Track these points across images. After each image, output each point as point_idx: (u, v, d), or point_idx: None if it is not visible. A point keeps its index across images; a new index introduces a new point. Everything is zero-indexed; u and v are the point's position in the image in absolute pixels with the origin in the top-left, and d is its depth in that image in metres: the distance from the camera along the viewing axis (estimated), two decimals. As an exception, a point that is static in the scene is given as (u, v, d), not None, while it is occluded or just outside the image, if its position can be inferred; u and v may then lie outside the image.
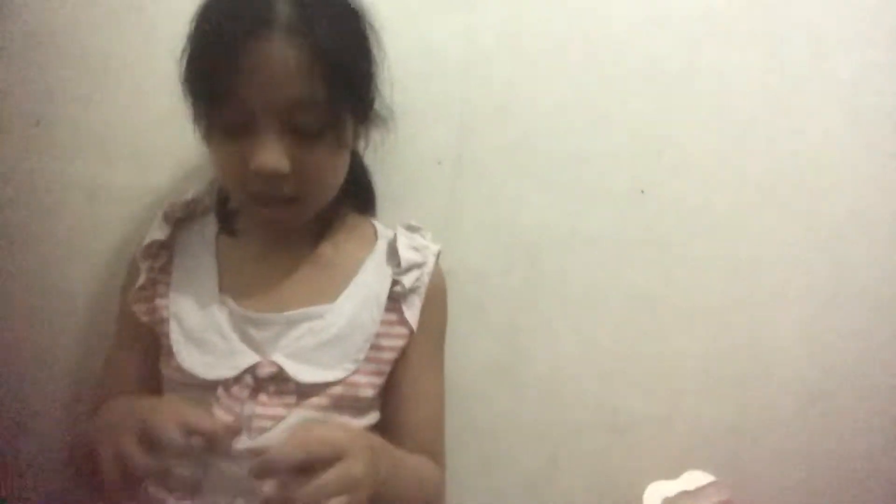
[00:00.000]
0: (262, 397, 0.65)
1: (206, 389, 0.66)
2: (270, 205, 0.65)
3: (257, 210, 0.67)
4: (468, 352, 0.84)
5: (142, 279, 0.70)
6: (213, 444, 0.57)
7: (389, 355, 0.71)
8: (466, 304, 0.83)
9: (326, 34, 0.61)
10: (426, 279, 0.73)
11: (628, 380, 0.86)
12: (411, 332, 0.71)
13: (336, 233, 0.74)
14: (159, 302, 0.70)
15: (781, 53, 0.85)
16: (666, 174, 0.85)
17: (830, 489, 0.87)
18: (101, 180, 0.81)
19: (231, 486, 0.62)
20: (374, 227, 0.78)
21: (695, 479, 0.80)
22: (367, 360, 0.69)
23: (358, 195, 0.78)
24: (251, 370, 0.65)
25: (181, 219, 0.74)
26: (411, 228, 0.77)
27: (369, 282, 0.72)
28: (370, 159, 0.79)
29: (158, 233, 0.71)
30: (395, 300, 0.72)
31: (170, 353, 0.68)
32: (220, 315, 0.68)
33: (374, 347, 0.70)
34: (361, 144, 0.74)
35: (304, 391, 0.66)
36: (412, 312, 0.71)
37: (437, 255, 0.76)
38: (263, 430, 0.64)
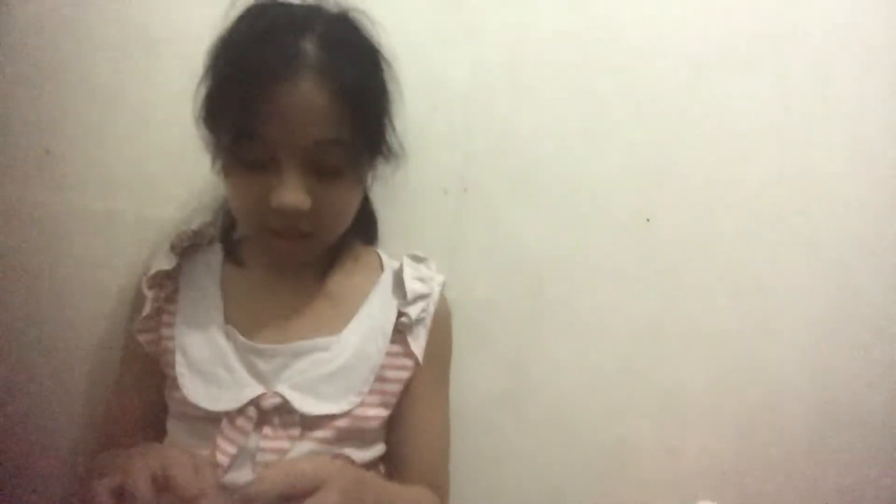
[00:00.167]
0: (267, 430, 0.65)
1: (210, 421, 0.65)
2: (286, 239, 0.65)
3: (271, 243, 0.67)
4: (473, 381, 0.84)
5: (147, 309, 0.70)
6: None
7: (395, 387, 0.70)
8: (472, 333, 0.82)
9: (352, 75, 0.62)
10: (432, 310, 0.73)
11: (634, 409, 0.86)
12: (417, 363, 0.71)
13: (341, 263, 0.74)
14: (164, 332, 0.70)
15: (785, 80, 0.86)
16: (670, 202, 0.86)
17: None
18: (109, 210, 0.81)
19: None
20: (379, 257, 0.78)
21: (703, 510, 0.79)
22: (373, 392, 0.69)
23: (363, 225, 0.79)
24: (255, 402, 0.65)
25: (187, 249, 0.74)
26: (417, 259, 0.77)
27: (375, 313, 0.72)
28: (375, 189, 0.79)
29: (165, 263, 0.71)
30: (400, 332, 0.71)
31: (174, 384, 0.68)
32: (224, 346, 0.68)
33: (380, 379, 0.69)
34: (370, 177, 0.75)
35: (309, 423, 0.66)
36: (418, 344, 0.71)
37: (442, 286, 0.75)
38: (266, 464, 0.63)
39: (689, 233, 0.86)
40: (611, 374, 0.86)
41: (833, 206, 0.86)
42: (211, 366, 0.67)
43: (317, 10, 0.66)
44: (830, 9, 0.86)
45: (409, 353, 0.71)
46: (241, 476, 0.62)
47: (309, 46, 0.61)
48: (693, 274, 0.86)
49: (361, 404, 0.68)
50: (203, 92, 0.66)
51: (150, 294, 0.70)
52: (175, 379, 0.67)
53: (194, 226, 0.75)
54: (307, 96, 0.60)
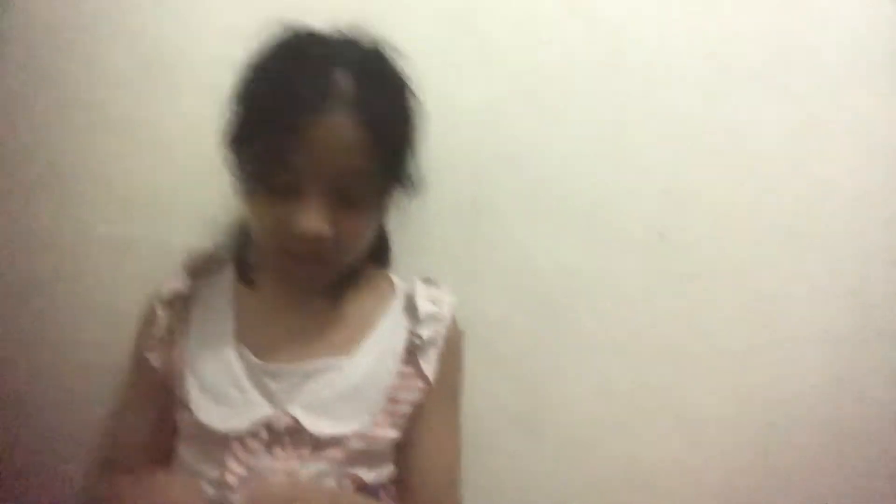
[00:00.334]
0: (278, 450, 0.65)
1: (221, 441, 0.65)
2: (303, 263, 0.66)
3: (288, 266, 0.67)
4: (487, 403, 0.83)
5: (160, 329, 0.71)
6: None
7: (406, 408, 0.70)
8: (484, 353, 0.82)
9: (382, 110, 0.64)
10: (443, 332, 0.73)
11: (650, 429, 0.85)
12: (428, 385, 0.71)
13: (353, 285, 0.74)
14: (176, 352, 0.71)
15: (798, 95, 0.85)
16: (684, 217, 0.85)
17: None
18: (124, 236, 0.83)
19: None
20: (390, 279, 0.78)
21: (721, 532, 0.77)
22: (384, 412, 0.69)
23: (375, 248, 0.78)
24: (266, 422, 0.65)
25: (200, 270, 0.75)
26: (428, 281, 0.77)
27: (387, 335, 0.72)
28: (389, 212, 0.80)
29: (179, 284, 0.72)
30: (412, 353, 0.71)
31: (185, 405, 0.68)
32: (236, 366, 0.68)
33: (391, 400, 0.69)
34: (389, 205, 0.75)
35: (320, 444, 0.66)
36: (429, 365, 0.71)
37: (454, 308, 0.75)
38: None
39: (703, 248, 0.85)
40: (626, 393, 0.84)
41: (850, 219, 0.85)
42: (222, 386, 0.67)
43: (350, 43, 0.67)
44: (843, 23, 0.85)
45: (420, 375, 0.71)
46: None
47: (342, 80, 0.62)
48: (708, 290, 0.85)
49: (373, 425, 0.68)
50: (232, 115, 0.67)
51: (163, 314, 0.71)
52: (185, 399, 0.68)
53: (207, 247, 0.75)
54: (338, 129, 0.61)
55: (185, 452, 0.69)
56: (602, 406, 0.85)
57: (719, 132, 0.85)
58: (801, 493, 0.84)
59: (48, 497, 0.81)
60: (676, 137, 0.85)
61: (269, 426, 0.65)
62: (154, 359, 0.71)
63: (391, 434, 0.69)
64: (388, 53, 0.68)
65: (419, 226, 0.83)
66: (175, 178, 0.83)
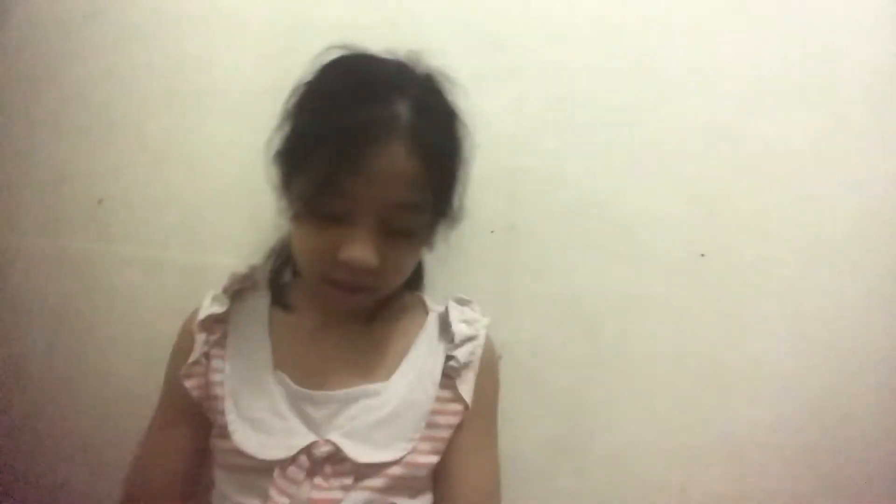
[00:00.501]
0: (319, 479, 0.63)
1: (260, 470, 0.64)
2: (345, 291, 0.65)
3: (328, 292, 0.66)
4: (525, 428, 0.81)
5: (197, 353, 0.69)
6: None
7: (445, 433, 0.68)
8: (522, 376, 0.80)
9: (439, 144, 0.63)
10: (479, 352, 0.71)
11: (695, 455, 0.82)
12: (466, 407, 0.69)
13: (387, 309, 0.73)
14: (213, 377, 0.69)
15: (839, 111, 0.84)
16: (725, 236, 0.83)
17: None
18: (158, 258, 0.83)
19: None
20: (423, 301, 0.77)
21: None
22: (424, 438, 0.67)
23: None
24: (307, 450, 0.64)
25: (236, 292, 0.74)
26: (461, 301, 0.75)
27: (422, 358, 0.71)
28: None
29: (217, 306, 0.71)
30: (448, 376, 0.70)
31: (223, 433, 0.66)
32: (275, 393, 0.67)
33: (430, 425, 0.68)
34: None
35: (361, 472, 0.64)
36: (467, 388, 0.69)
37: (488, 328, 0.74)
38: None
39: (745, 267, 0.83)
40: (669, 417, 0.82)
41: (894, 235, 0.83)
42: (261, 413, 0.66)
43: (406, 71, 0.66)
44: (883, 37, 0.84)
45: (457, 398, 0.69)
46: None
47: (403, 110, 0.61)
48: (751, 310, 0.83)
49: (413, 451, 0.66)
50: (284, 138, 0.66)
51: (200, 338, 0.70)
52: (225, 427, 0.66)
53: (243, 269, 0.74)
54: (397, 160, 0.60)
55: (224, 481, 0.67)
56: (644, 431, 0.82)
57: (760, 150, 0.83)
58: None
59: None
60: (714, 152, 0.83)
61: (309, 454, 0.64)
62: (190, 384, 0.69)
63: (431, 460, 0.68)
64: (443, 83, 0.68)
65: (453, 245, 0.82)
66: (208, 200, 0.83)
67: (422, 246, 0.69)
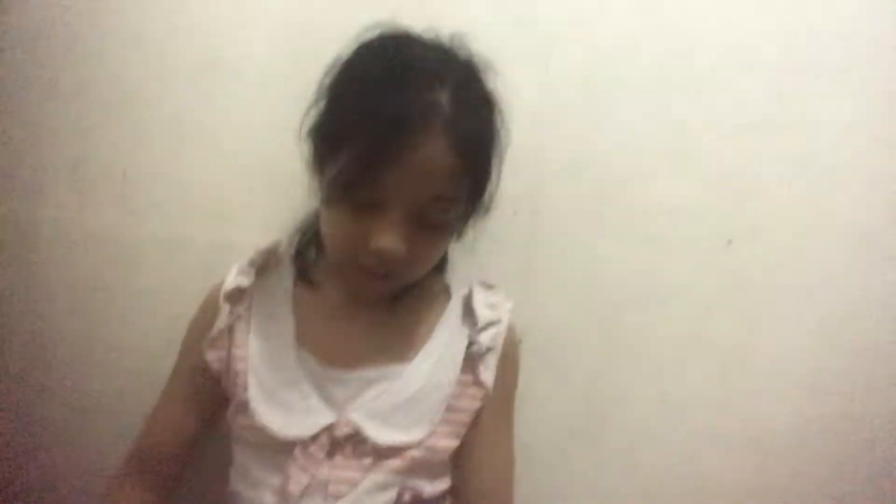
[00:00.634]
0: (339, 459, 0.64)
1: (280, 447, 0.64)
2: (371, 278, 0.64)
3: (355, 278, 0.65)
4: (544, 414, 0.81)
5: (221, 324, 0.69)
6: None
7: (465, 417, 0.68)
8: (542, 362, 0.80)
9: (478, 138, 0.62)
10: (502, 338, 0.70)
11: (716, 445, 0.81)
12: (486, 392, 0.69)
13: (411, 291, 0.72)
14: (236, 352, 0.68)
15: (873, 98, 0.81)
16: (753, 223, 0.81)
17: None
18: (181, 234, 0.83)
19: None
20: (446, 284, 0.76)
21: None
22: (444, 421, 0.67)
23: None
24: (328, 429, 0.64)
25: (261, 267, 0.73)
26: (485, 285, 0.75)
27: (445, 341, 0.70)
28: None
29: (243, 279, 0.70)
30: (470, 360, 0.69)
31: (244, 409, 0.66)
32: (298, 371, 0.67)
33: (450, 409, 0.67)
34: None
35: (381, 453, 0.64)
36: (489, 373, 0.69)
37: (511, 313, 0.73)
38: (338, 495, 0.63)
39: (773, 256, 0.81)
40: (691, 406, 0.81)
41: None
42: (283, 390, 0.66)
43: (448, 56, 0.64)
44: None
45: (479, 382, 0.69)
46: None
47: (443, 100, 0.59)
48: (778, 300, 0.81)
49: (433, 434, 0.66)
50: (318, 115, 0.65)
51: (225, 309, 0.69)
52: (245, 403, 0.66)
53: (269, 244, 0.74)
54: (434, 154, 0.59)
55: (243, 456, 0.68)
56: (665, 419, 0.82)
57: (791, 135, 0.81)
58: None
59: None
60: (746, 137, 0.81)
61: (330, 433, 0.64)
62: (212, 356, 0.69)
63: (451, 443, 0.67)
64: (483, 70, 0.66)
65: (478, 230, 0.81)
66: (233, 176, 0.83)
67: (452, 237, 0.68)
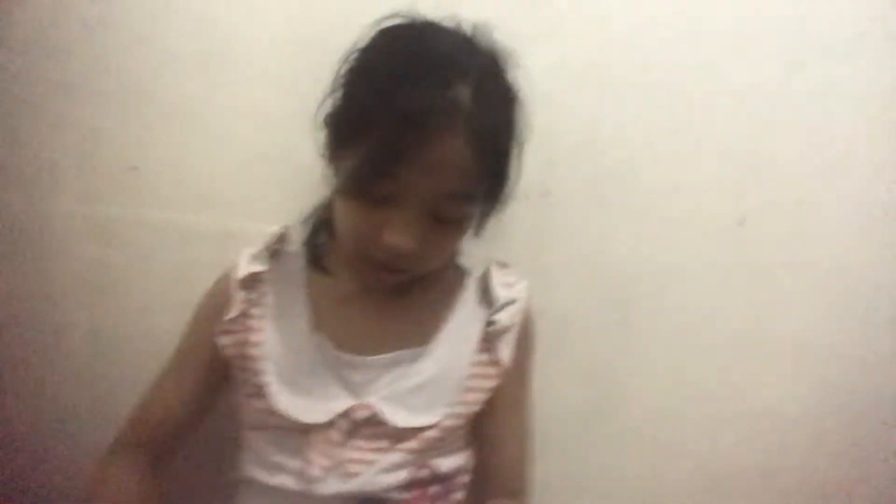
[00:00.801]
0: (357, 441, 0.64)
1: (297, 432, 0.64)
2: (383, 271, 0.64)
3: (366, 270, 0.65)
4: (557, 397, 0.80)
5: (235, 310, 0.68)
6: None
7: (481, 396, 0.68)
8: (555, 344, 0.79)
9: (498, 135, 0.62)
10: (520, 316, 0.70)
11: (731, 428, 0.81)
12: (505, 369, 0.69)
13: (426, 275, 0.71)
14: (252, 337, 0.68)
15: (888, 71, 0.80)
16: (766, 203, 0.80)
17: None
18: (194, 225, 0.82)
19: None
20: (460, 266, 0.76)
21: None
22: (460, 402, 0.67)
23: None
24: (346, 413, 0.64)
25: (273, 253, 0.73)
26: (501, 265, 0.74)
27: (461, 325, 0.70)
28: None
29: (258, 264, 0.70)
30: (488, 340, 0.69)
31: (259, 393, 0.66)
32: (315, 356, 0.67)
33: (468, 389, 0.68)
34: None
35: (399, 435, 0.65)
36: (507, 351, 0.69)
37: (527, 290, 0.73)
38: (355, 475, 0.63)
39: (786, 237, 0.81)
40: (703, 388, 0.81)
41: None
42: (300, 376, 0.66)
43: (469, 49, 0.62)
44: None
45: (496, 362, 0.69)
46: (331, 487, 0.62)
47: (464, 96, 0.57)
48: (791, 280, 0.81)
49: (450, 415, 0.66)
50: (334, 105, 0.64)
51: (240, 295, 0.68)
52: (260, 387, 0.66)
53: (281, 229, 0.74)
54: (452, 152, 0.58)
55: (258, 441, 0.68)
56: (677, 400, 0.82)
57: (803, 115, 0.80)
58: (889, 499, 0.80)
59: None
60: (757, 116, 0.80)
61: (349, 417, 0.64)
62: (225, 341, 0.68)
63: (467, 423, 0.68)
64: (506, 64, 0.65)
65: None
66: (242, 166, 0.82)
67: (466, 232, 0.66)
